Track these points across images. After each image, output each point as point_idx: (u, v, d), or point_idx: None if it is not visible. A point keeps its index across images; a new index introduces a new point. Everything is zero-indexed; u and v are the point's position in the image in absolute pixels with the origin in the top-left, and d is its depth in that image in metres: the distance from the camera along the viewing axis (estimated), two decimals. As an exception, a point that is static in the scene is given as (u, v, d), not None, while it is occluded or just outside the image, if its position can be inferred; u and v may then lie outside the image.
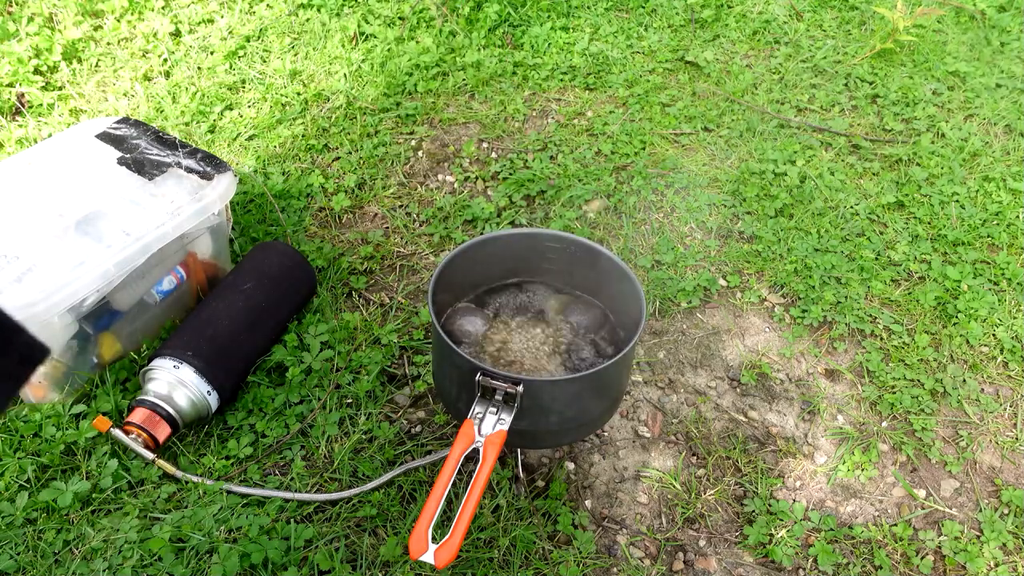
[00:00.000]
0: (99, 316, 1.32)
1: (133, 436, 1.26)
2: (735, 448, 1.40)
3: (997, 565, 1.27)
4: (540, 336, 1.26)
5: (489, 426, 1.03)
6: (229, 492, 1.25)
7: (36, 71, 2.00)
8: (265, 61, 2.16)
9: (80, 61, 2.08)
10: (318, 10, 2.30)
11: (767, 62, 2.34)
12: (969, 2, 2.63)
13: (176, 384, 1.28)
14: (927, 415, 1.47)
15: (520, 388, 1.02)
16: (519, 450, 1.33)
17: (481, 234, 1.45)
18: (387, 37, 2.24)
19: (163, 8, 2.25)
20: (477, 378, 1.03)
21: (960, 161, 2.02)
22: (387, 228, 1.76)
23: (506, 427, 1.02)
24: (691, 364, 1.53)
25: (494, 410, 1.04)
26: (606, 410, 1.21)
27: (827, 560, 1.25)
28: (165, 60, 2.10)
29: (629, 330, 1.19)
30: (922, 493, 1.37)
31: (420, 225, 1.77)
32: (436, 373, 1.23)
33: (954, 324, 1.62)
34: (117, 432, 1.26)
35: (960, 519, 1.34)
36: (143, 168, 1.42)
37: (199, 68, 2.10)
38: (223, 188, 1.42)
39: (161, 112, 1.95)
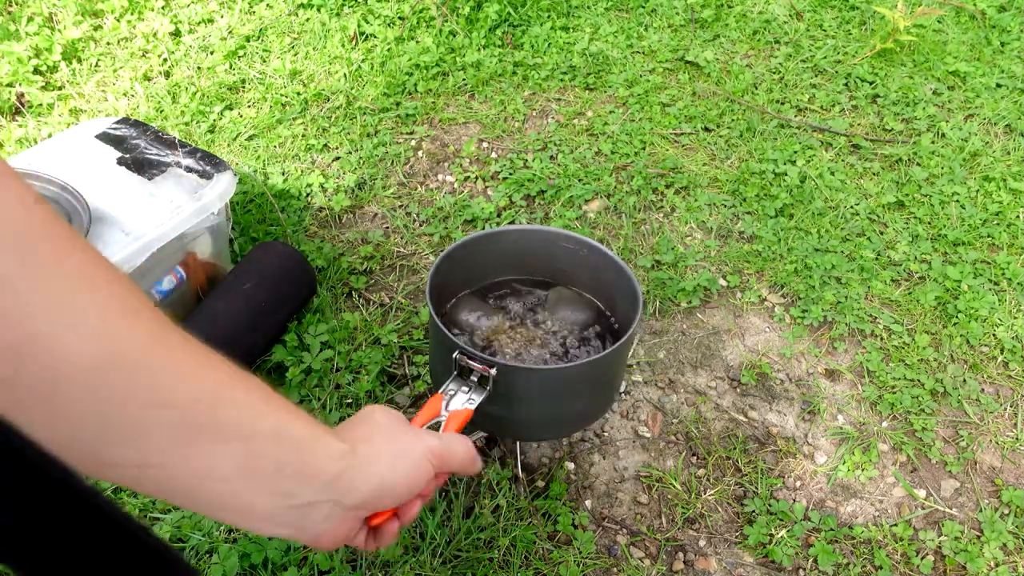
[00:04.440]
0: (99, 316, 1.32)
1: (133, 436, 1.25)
2: (735, 448, 1.39)
3: (997, 565, 1.27)
4: (539, 332, 1.26)
5: (457, 403, 1.03)
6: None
7: (36, 71, 2.00)
8: (265, 61, 2.16)
9: (80, 61, 2.08)
10: (318, 10, 2.30)
11: (767, 62, 2.34)
12: (969, 2, 2.63)
13: (176, 384, 1.27)
14: (927, 415, 1.47)
15: (494, 371, 1.02)
16: (519, 450, 1.33)
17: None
18: (387, 37, 2.24)
19: (163, 8, 2.25)
20: (455, 355, 1.04)
21: (960, 161, 2.02)
22: (387, 228, 1.76)
23: (473, 407, 1.02)
24: (691, 364, 1.53)
25: (467, 389, 1.04)
26: (585, 412, 1.21)
27: (827, 560, 1.25)
28: (165, 60, 2.10)
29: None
30: (922, 493, 1.37)
31: (420, 225, 1.77)
32: (430, 357, 1.24)
33: (954, 324, 1.62)
34: (117, 432, 1.26)
35: (960, 519, 1.34)
36: (142, 168, 1.42)
37: (199, 68, 2.10)
38: (222, 187, 1.42)
39: (161, 112, 1.95)
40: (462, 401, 1.03)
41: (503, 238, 1.29)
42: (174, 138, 1.49)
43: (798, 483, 1.36)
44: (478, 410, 1.03)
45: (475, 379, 1.05)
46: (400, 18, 2.31)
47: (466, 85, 2.15)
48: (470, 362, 1.03)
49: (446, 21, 2.31)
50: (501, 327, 1.26)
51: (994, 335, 1.61)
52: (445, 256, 1.19)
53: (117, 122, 1.52)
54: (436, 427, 1.00)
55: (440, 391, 1.03)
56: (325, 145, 1.93)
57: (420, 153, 1.95)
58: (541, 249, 1.30)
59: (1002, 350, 1.59)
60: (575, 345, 1.25)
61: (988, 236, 1.82)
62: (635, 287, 1.16)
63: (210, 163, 1.44)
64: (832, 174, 1.95)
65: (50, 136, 1.79)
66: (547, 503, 1.27)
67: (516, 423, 1.16)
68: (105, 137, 1.48)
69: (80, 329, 0.40)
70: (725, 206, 1.85)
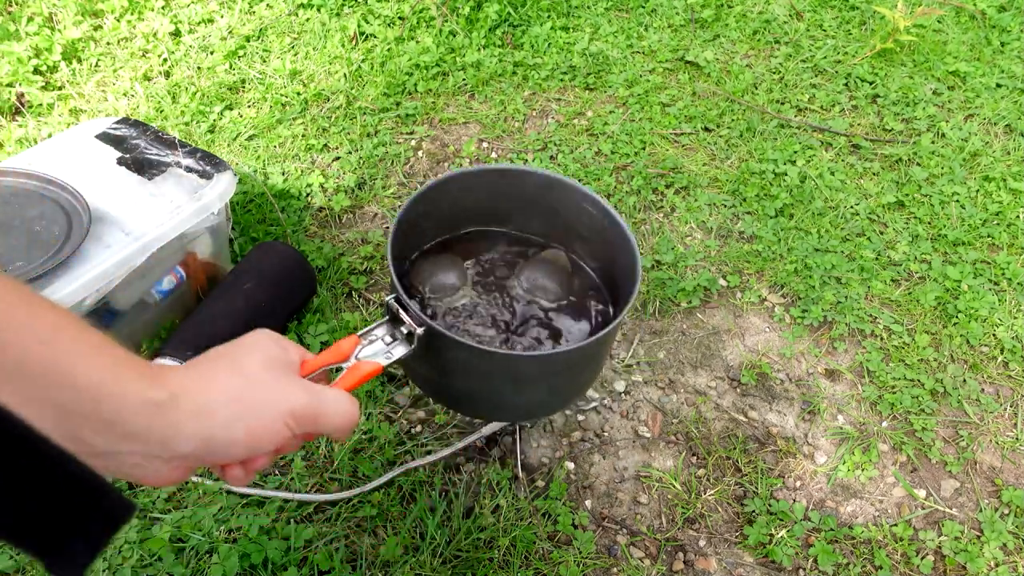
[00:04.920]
0: (99, 316, 1.32)
1: (133, 436, 1.25)
2: (735, 448, 1.39)
3: (997, 565, 1.27)
4: (515, 293, 1.19)
5: (371, 352, 0.89)
6: (229, 492, 1.25)
7: (36, 71, 1.99)
8: (265, 61, 2.16)
9: (80, 61, 2.07)
10: (318, 10, 2.30)
11: (767, 62, 2.34)
12: (969, 2, 2.63)
13: (176, 384, 1.27)
14: (927, 415, 1.47)
15: (420, 331, 0.91)
16: (519, 450, 1.33)
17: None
18: (387, 37, 2.24)
19: (163, 8, 2.24)
20: (387, 299, 0.93)
21: (960, 161, 2.02)
22: (387, 228, 1.76)
23: (386, 364, 0.89)
24: (691, 364, 1.53)
25: (390, 340, 0.92)
26: (526, 406, 1.11)
27: (827, 560, 1.25)
28: (165, 60, 2.10)
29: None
30: (922, 493, 1.37)
31: (420, 225, 1.77)
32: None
33: (954, 324, 1.62)
34: (117, 432, 1.26)
35: (960, 519, 1.34)
36: (142, 168, 1.42)
37: (199, 68, 2.10)
38: (222, 187, 1.42)
39: (161, 112, 1.95)
40: (378, 351, 0.89)
41: (526, 179, 1.15)
42: (174, 138, 1.49)
43: (798, 483, 1.36)
44: (413, 367, 0.90)
45: (404, 332, 0.92)
46: (400, 18, 2.31)
47: (466, 85, 2.15)
48: (402, 312, 0.91)
49: (446, 21, 2.31)
50: (477, 280, 1.18)
51: (994, 335, 1.61)
52: (434, 185, 1.06)
53: (117, 122, 1.52)
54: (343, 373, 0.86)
55: (359, 333, 0.88)
56: (325, 145, 1.93)
57: (420, 153, 1.95)
58: (554, 203, 1.18)
59: (1002, 350, 1.59)
60: (554, 317, 1.17)
61: (988, 236, 1.82)
62: (637, 271, 1.05)
63: (210, 163, 1.44)
64: (832, 174, 1.95)
65: (50, 136, 1.79)
66: (547, 503, 1.28)
67: (448, 393, 1.06)
68: (105, 137, 1.48)
69: None
70: (725, 206, 1.85)
